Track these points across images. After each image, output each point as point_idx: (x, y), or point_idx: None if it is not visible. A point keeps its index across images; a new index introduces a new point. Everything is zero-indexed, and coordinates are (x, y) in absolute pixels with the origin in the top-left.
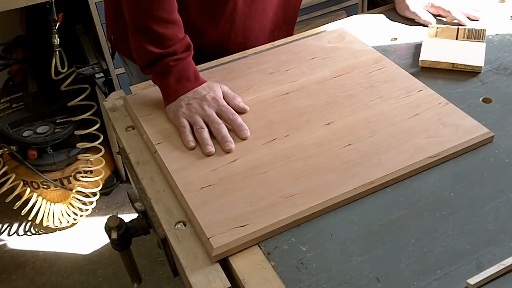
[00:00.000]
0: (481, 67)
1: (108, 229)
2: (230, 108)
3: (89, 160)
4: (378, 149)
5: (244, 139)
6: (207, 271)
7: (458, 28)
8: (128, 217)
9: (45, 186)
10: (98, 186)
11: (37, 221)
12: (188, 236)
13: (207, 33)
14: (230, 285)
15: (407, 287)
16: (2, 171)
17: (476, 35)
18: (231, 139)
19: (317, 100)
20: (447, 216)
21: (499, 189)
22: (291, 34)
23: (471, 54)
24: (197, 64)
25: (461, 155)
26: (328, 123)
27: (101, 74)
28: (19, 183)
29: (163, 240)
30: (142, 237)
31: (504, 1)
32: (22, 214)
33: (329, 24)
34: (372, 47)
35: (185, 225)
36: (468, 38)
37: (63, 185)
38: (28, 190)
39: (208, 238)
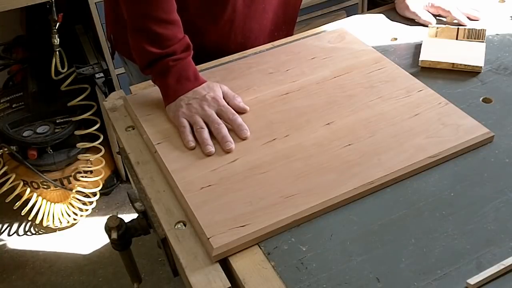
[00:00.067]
0: (481, 67)
1: (108, 229)
2: (230, 108)
3: (89, 160)
4: (378, 149)
5: (244, 139)
6: (207, 271)
7: (458, 28)
8: (128, 217)
9: (45, 186)
10: (98, 186)
11: (37, 221)
12: (188, 236)
13: (207, 33)
14: (230, 285)
15: (407, 287)
16: (2, 171)
17: (476, 35)
18: (231, 139)
19: (317, 100)
20: (447, 216)
21: (499, 189)
22: (291, 34)
23: (471, 54)
24: (197, 64)
25: (461, 155)
26: (328, 123)
27: (101, 74)
28: (19, 183)
29: (163, 240)
30: (142, 237)
31: (504, 1)
32: (22, 214)
33: (329, 24)
34: (372, 47)
35: (185, 225)
36: (468, 38)
37: (63, 185)
38: (28, 190)
39: (208, 238)
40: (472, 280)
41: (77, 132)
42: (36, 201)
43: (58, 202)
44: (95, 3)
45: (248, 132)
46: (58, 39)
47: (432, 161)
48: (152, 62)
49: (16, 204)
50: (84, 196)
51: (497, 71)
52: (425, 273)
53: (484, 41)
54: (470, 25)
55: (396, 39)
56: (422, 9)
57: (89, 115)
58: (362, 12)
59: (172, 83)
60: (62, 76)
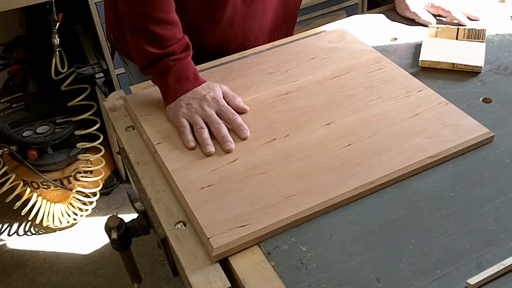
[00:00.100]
0: (481, 67)
1: (108, 229)
2: (230, 108)
3: (89, 160)
4: (378, 149)
5: (244, 139)
6: (207, 271)
7: (458, 28)
8: (128, 217)
9: (45, 186)
10: (98, 186)
11: (37, 221)
12: (188, 236)
13: (207, 34)
14: (230, 285)
15: (407, 287)
16: (2, 171)
17: (476, 35)
18: (231, 139)
19: (317, 100)
20: (447, 216)
21: (499, 189)
22: (291, 34)
23: (471, 54)
24: (197, 64)
25: (461, 155)
26: (328, 123)
27: (101, 74)
28: (19, 183)
29: (163, 240)
30: (142, 237)
31: (504, 1)
32: (22, 214)
33: (329, 24)
34: (372, 47)
35: (185, 225)
36: (468, 38)
37: (63, 185)
38: (28, 190)
39: (208, 238)
40: (472, 280)
41: (77, 132)
42: (36, 201)
43: (58, 202)
44: (95, 3)
45: (248, 132)
46: (58, 39)
47: (432, 161)
48: (152, 62)
49: (16, 204)
50: (84, 196)
51: (497, 71)
52: (425, 273)
53: (484, 41)
54: (470, 25)
55: (396, 39)
56: (422, 9)
57: (89, 115)
58: (362, 12)
59: (172, 83)
60: (62, 76)
